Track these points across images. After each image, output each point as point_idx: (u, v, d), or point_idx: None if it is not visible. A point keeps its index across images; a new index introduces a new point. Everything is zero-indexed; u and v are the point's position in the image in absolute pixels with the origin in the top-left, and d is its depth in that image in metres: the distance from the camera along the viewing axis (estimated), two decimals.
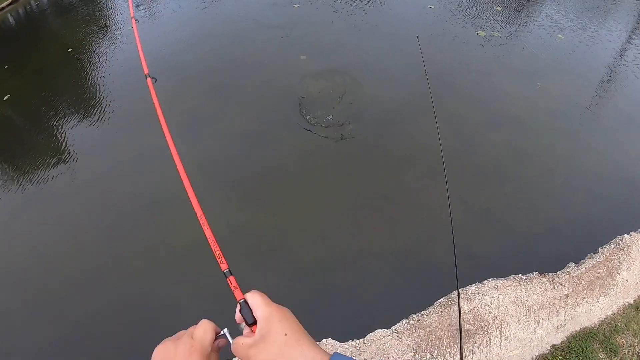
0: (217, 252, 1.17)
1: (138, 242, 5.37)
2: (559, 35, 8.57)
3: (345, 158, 6.03)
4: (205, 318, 1.04)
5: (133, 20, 2.67)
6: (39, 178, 6.51)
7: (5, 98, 8.47)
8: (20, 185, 6.49)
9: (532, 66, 7.64)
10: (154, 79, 1.96)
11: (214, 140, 6.50)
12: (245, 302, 1.03)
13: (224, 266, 1.15)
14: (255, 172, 5.94)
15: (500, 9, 9.37)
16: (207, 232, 1.18)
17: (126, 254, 5.25)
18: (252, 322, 0.99)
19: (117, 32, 9.87)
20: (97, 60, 9.10)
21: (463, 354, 2.40)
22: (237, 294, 1.07)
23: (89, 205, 5.94)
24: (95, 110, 7.60)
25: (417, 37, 4.25)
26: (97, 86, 8.29)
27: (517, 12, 9.38)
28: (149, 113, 7.03)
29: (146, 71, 1.93)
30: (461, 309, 3.88)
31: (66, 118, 7.60)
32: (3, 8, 12.04)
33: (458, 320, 3.80)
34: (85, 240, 5.53)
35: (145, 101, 7.26)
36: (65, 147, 7.00)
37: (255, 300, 1.02)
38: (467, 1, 9.67)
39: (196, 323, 1.02)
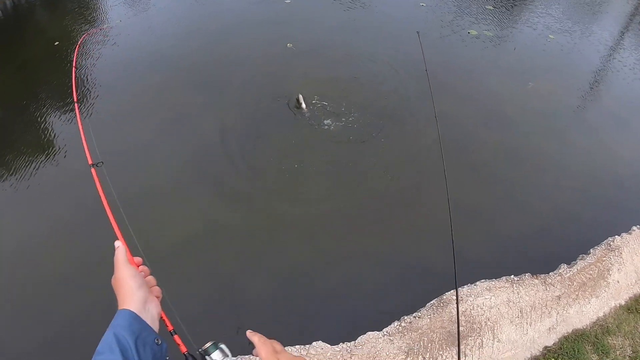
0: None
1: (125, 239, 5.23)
2: (550, 36, 8.58)
3: (337, 157, 5.94)
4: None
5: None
6: (24, 174, 6.31)
7: None
8: (4, 181, 6.30)
9: (523, 66, 7.64)
10: (101, 163, 1.90)
11: (200, 137, 6.36)
12: (191, 354, 1.21)
13: (169, 327, 1.32)
14: (244, 171, 5.83)
15: (492, 8, 9.36)
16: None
17: (112, 252, 5.11)
18: None
19: (106, 25, 9.63)
20: (85, 52, 8.86)
21: (461, 357, 2.35)
22: (181, 348, 1.25)
23: (75, 202, 5.76)
24: (82, 104, 7.39)
25: (418, 32, 4.10)
26: (84, 79, 8.08)
27: (509, 11, 9.37)
28: (137, 109, 6.91)
29: (90, 161, 1.94)
30: (453, 312, 3.83)
31: (52, 113, 7.35)
32: None
33: (451, 322, 3.75)
34: (71, 238, 5.34)
35: (132, 98, 7.20)
36: (50, 142, 6.79)
37: None
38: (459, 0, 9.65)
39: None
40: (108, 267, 1.25)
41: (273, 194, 5.55)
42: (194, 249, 4.94)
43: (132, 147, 6.30)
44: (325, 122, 6.43)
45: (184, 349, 1.23)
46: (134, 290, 1.15)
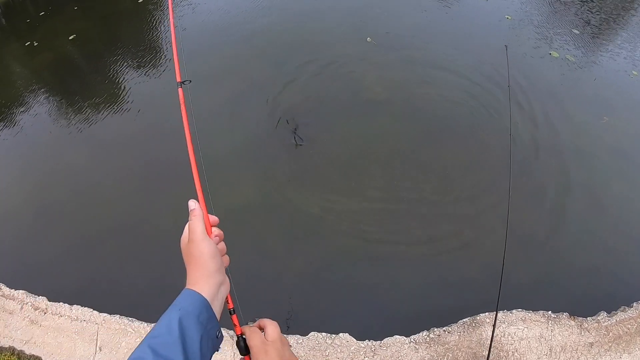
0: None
1: (177, 203, 5.40)
2: (633, 72, 8.10)
3: (395, 159, 5.88)
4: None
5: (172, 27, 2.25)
6: (91, 119, 6.62)
7: (70, 37, 8.63)
8: (73, 122, 6.62)
9: (600, 98, 7.24)
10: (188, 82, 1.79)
11: (261, 112, 6.48)
12: (243, 337, 1.09)
13: (229, 305, 1.18)
14: (298, 152, 5.89)
15: (579, 32, 8.90)
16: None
17: (162, 212, 5.30)
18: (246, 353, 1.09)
19: None
20: (166, 15, 9.07)
21: None
22: (237, 329, 1.14)
23: (137, 155, 6.00)
24: (156, 63, 7.62)
25: (506, 46, 3.88)
26: (161, 40, 8.30)
27: (595, 39, 8.89)
28: (210, 75, 7.06)
29: (179, 79, 1.76)
30: (483, 335, 3.79)
31: (126, 66, 7.67)
32: None
33: (479, 344, 3.71)
34: (126, 190, 5.61)
35: (207, 63, 7.34)
36: (121, 94, 7.08)
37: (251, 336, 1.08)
38: (546, 18, 9.20)
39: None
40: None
41: (323, 177, 5.59)
42: (240, 220, 5.07)
43: None
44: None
45: (239, 330, 1.11)
46: (211, 273, 1.01)
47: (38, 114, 7.02)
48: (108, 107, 6.85)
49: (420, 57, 7.67)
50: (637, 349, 4.18)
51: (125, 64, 7.79)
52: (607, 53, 8.56)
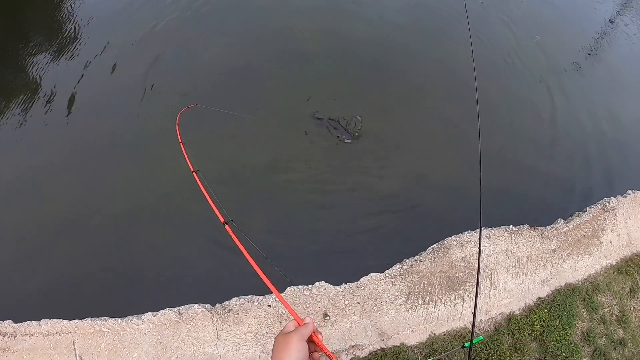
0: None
1: (119, 185, 5.06)
2: None
3: (348, 89, 5.87)
4: None
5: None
6: (9, 113, 5.92)
7: None
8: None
9: (530, 18, 7.39)
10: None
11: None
12: None
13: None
14: (253, 102, 5.72)
15: None
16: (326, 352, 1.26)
17: (107, 197, 4.95)
18: None
19: None
20: None
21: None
22: None
23: (66, 144, 5.50)
24: (71, 43, 6.85)
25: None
26: (69, 17, 7.47)
27: None
28: (128, 49, 6.40)
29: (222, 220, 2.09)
30: (453, 257, 3.81)
31: (38, 51, 6.81)
32: None
33: (451, 267, 3.73)
34: (62, 183, 5.15)
35: (124, 38, 6.71)
36: (37, 83, 6.36)
37: None
38: None
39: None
40: None
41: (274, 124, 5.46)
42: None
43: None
44: None
45: None
46: None
47: None
48: (25, 97, 6.17)
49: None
50: (596, 250, 4.40)
51: (36, 49, 6.98)
52: None
